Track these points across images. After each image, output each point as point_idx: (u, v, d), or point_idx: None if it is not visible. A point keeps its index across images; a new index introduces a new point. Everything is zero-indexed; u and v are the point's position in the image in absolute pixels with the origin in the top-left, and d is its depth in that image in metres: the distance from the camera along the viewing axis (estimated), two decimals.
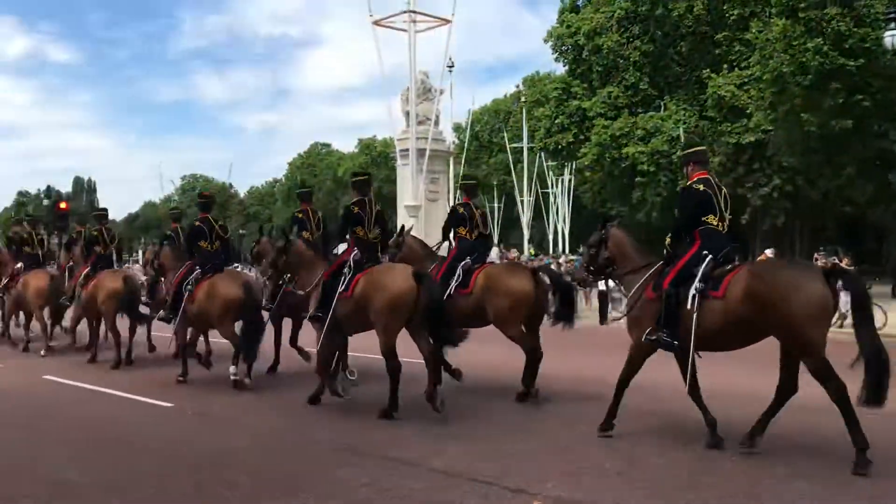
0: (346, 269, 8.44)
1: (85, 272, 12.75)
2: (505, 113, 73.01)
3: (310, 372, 9.87)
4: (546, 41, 42.20)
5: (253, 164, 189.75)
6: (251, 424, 8.08)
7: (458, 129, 67.39)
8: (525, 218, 52.35)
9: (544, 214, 56.70)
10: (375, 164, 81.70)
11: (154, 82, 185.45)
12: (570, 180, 55.00)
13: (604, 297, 21.22)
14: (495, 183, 66.51)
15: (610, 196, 44.42)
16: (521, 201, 52.61)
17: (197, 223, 10.98)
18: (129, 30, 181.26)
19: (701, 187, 6.98)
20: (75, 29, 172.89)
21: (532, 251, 46.14)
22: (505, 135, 57.46)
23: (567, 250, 50.86)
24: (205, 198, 11.86)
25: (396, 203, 32.98)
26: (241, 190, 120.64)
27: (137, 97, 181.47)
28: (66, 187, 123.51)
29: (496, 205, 62.45)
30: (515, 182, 53.76)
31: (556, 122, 40.79)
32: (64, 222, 25.55)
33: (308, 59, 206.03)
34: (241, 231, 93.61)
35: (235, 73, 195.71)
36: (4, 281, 15.16)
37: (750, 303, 6.25)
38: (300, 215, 10.97)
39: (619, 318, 8.37)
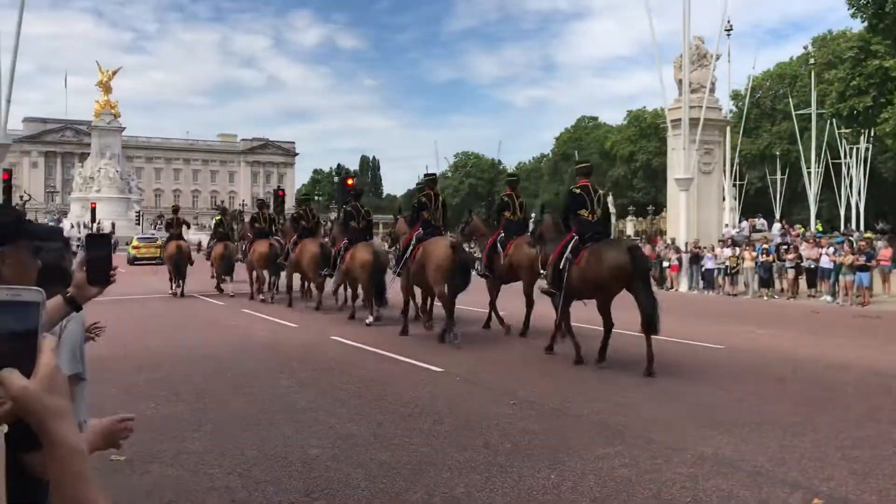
0: (413, 242, 12.21)
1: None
2: (790, 77, 67.20)
3: (571, 348, 9.96)
4: None
5: (521, 139, 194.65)
6: (514, 392, 8.24)
7: (736, 96, 63.19)
8: (812, 191, 47.74)
9: (835, 187, 51.43)
10: (644, 135, 79.52)
11: (430, 64, 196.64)
12: (866, 149, 49.33)
13: None
14: (778, 153, 61.58)
15: None
16: (808, 172, 48.00)
17: (349, 208, 14.99)
18: (408, 15, 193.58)
19: (578, 191, 10.30)
20: (362, 17, 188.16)
21: (819, 227, 42.13)
22: (790, 100, 52.72)
23: (862, 227, 45.78)
24: (356, 189, 16.52)
25: (666, 176, 31.76)
26: (510, 165, 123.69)
27: (416, 78, 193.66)
28: (353, 165, 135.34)
29: (778, 177, 57.82)
30: (801, 152, 49.17)
31: (852, 84, 36.60)
32: (350, 197, 27.81)
33: (577, 32, 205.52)
34: None
35: (505, 50, 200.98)
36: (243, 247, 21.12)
37: (586, 267, 9.64)
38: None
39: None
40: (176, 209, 23.33)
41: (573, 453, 5.99)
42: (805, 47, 65.69)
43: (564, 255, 9.89)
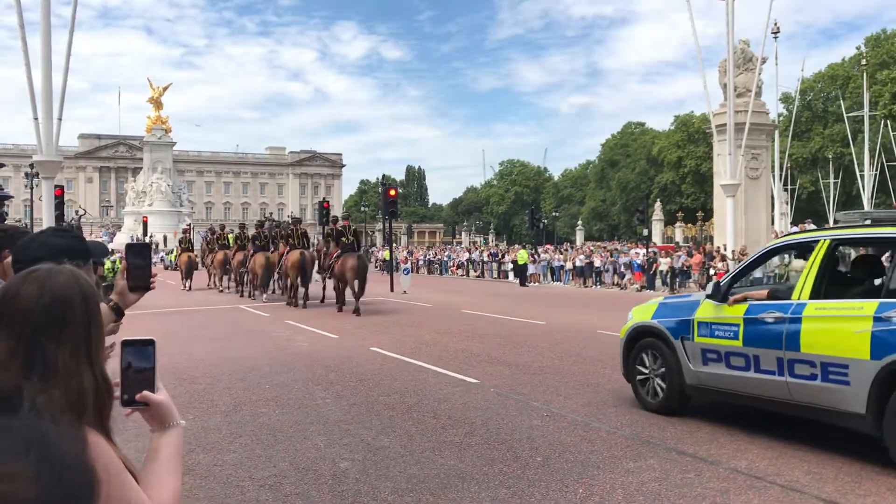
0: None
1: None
2: (843, 78, 65.70)
3: (609, 359, 9.87)
4: None
5: (567, 146, 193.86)
6: (548, 404, 8.20)
7: (786, 99, 62.11)
8: (866, 195, 46.60)
9: (891, 191, 50.07)
10: (692, 140, 78.52)
11: (475, 72, 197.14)
12: None
13: None
14: (830, 156, 60.21)
15: None
16: (861, 176, 46.87)
17: (289, 231, 23.17)
18: (452, 24, 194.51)
19: (340, 228, 20.16)
20: (406, 27, 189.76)
21: None
22: (842, 102, 51.55)
23: None
24: (294, 217, 27.54)
25: (713, 182, 31.26)
26: (556, 173, 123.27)
27: (461, 87, 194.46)
28: (400, 175, 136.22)
29: (831, 180, 56.49)
30: (854, 155, 48.05)
31: None
32: (393, 208, 28.09)
33: (622, 38, 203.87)
34: (554, 213, 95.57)
35: (549, 58, 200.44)
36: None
37: (340, 266, 19.25)
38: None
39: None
40: (185, 230, 35.96)
41: (603, 467, 5.95)
42: (857, 48, 64.35)
43: (331, 261, 19.68)
